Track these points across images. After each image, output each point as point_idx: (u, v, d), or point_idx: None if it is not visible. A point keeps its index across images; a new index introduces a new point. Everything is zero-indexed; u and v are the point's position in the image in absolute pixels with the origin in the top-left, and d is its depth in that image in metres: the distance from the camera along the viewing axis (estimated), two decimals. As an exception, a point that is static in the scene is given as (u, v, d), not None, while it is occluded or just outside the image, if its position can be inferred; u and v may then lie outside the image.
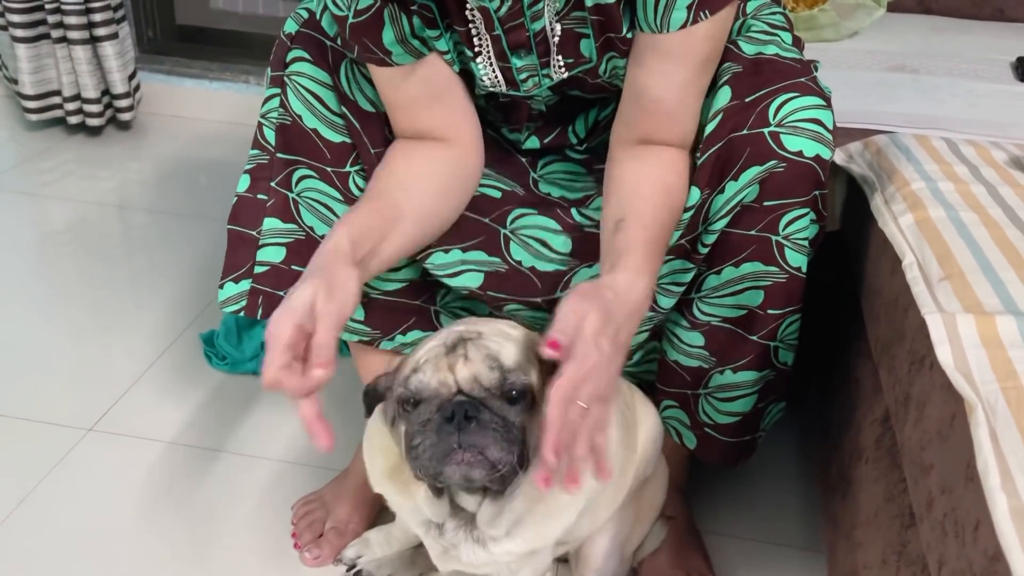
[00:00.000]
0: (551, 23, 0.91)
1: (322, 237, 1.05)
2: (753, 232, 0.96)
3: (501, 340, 0.83)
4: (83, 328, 1.60)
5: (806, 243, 0.98)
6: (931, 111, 1.26)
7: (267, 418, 1.39)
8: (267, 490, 1.25)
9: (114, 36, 2.18)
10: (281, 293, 1.08)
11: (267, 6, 2.83)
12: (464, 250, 1.04)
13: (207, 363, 1.50)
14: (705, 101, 0.95)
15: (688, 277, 1.01)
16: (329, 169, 1.02)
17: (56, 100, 2.25)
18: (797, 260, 0.98)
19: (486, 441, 0.76)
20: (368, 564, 1.12)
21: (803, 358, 1.11)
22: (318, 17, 1.00)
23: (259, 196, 1.06)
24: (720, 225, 0.96)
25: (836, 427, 1.10)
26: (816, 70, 0.99)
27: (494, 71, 0.96)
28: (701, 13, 0.85)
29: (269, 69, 1.04)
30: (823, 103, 0.93)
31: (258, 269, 1.07)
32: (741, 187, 0.93)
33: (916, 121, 1.25)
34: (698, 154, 0.95)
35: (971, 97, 1.31)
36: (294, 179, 1.03)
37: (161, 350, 1.53)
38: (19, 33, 2.14)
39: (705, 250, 0.98)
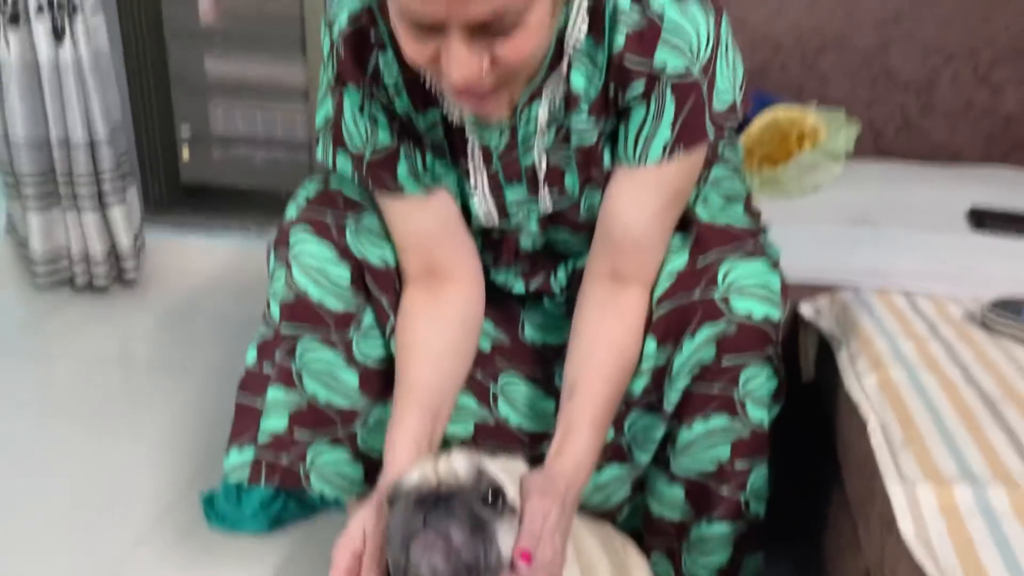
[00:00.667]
0: (539, 158, 1.00)
1: (326, 404, 1.11)
2: (715, 390, 1.02)
3: (486, 456, 0.87)
4: (84, 490, 1.63)
5: (766, 399, 1.03)
6: (890, 265, 1.33)
7: (267, 582, 1.41)
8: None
9: (122, 201, 2.29)
10: (283, 461, 1.13)
11: (267, 165, 2.98)
12: None
13: (207, 522, 1.52)
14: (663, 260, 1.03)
15: (660, 432, 1.06)
16: (333, 335, 1.08)
17: (64, 263, 2.34)
18: (758, 415, 1.04)
19: (450, 525, 0.75)
20: None
21: (789, 504, 1.15)
22: (329, 163, 1.04)
23: (265, 370, 1.12)
24: (682, 384, 1.02)
25: (824, 578, 1.12)
26: (766, 232, 1.07)
27: (487, 205, 1.04)
28: (676, 149, 0.94)
29: (273, 252, 1.12)
30: (770, 266, 1.01)
31: (261, 439, 1.12)
32: (698, 346, 1.00)
33: (878, 274, 1.32)
34: (654, 306, 1.02)
35: (928, 249, 1.39)
36: (298, 350, 1.09)
37: (162, 510, 1.55)
38: (32, 203, 2.25)
39: (670, 407, 1.04)
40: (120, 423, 1.85)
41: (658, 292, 1.02)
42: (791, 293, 1.29)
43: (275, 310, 1.10)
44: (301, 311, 1.08)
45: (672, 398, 1.03)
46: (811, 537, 1.23)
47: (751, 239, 1.03)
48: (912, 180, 1.69)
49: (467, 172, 1.03)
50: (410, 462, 0.90)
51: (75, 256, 2.31)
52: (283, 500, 1.54)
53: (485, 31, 0.79)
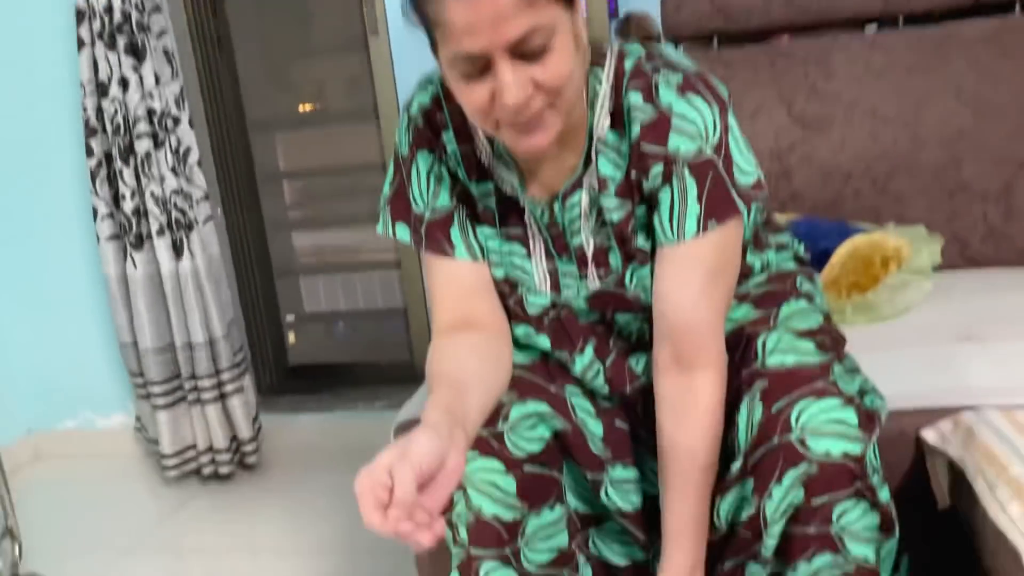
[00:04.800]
0: (587, 240, 1.12)
1: None
2: (812, 531, 1.03)
3: None
4: None
5: (865, 533, 1.04)
6: (1010, 383, 1.34)
7: None
8: None
9: (240, 391, 2.44)
10: None
11: (365, 336, 3.13)
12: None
13: None
14: (739, 417, 1.06)
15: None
16: (507, 550, 1.13)
17: (191, 454, 2.48)
18: (860, 550, 1.04)
19: None
20: None
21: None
22: (389, 233, 1.18)
23: None
24: (777, 529, 1.04)
25: None
26: (847, 359, 1.15)
27: (543, 268, 1.16)
28: (709, 222, 1.04)
29: None
30: (842, 402, 1.03)
31: None
32: (786, 490, 1.02)
33: (996, 392, 1.33)
34: (738, 461, 1.06)
35: (1042, 359, 1.39)
36: (482, 571, 1.13)
37: None
38: (160, 402, 2.42)
39: (769, 553, 1.06)
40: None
41: (743, 445, 1.06)
42: (908, 420, 1.32)
43: (463, 533, 1.13)
44: (482, 533, 1.12)
45: (770, 544, 1.05)
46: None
47: (820, 378, 1.05)
48: (1007, 288, 1.70)
49: (522, 239, 1.15)
50: (427, 427, 0.94)
51: (200, 448, 2.45)
52: None
53: (523, 56, 0.94)
